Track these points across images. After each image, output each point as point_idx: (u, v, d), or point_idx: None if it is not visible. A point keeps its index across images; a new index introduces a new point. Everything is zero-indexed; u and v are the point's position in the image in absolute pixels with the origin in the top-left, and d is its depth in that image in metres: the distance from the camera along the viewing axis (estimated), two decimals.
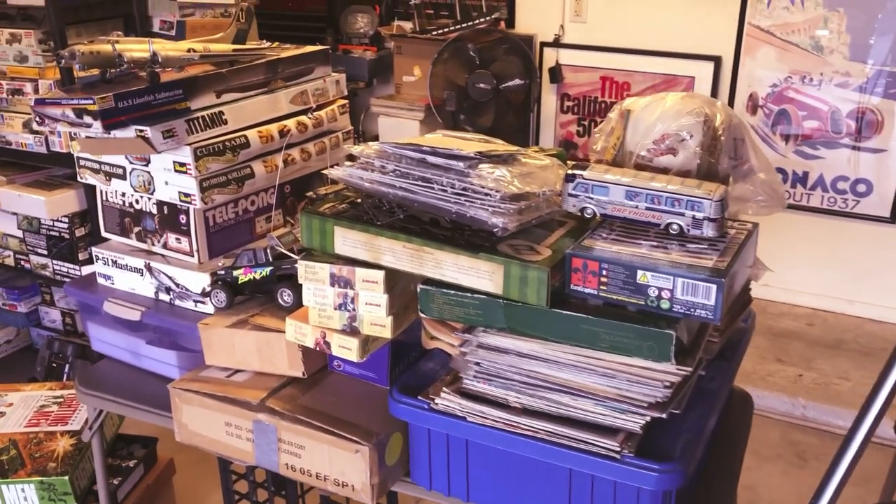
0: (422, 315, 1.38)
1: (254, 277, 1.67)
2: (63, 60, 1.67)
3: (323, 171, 1.42)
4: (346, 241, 1.41)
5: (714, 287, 1.19)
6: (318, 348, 1.49)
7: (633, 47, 4.02)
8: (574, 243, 1.31)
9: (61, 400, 2.47)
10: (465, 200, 1.29)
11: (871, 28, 3.52)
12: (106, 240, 1.98)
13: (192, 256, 1.82)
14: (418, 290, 1.37)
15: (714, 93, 3.88)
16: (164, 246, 1.86)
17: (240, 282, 1.69)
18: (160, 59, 1.66)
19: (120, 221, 1.93)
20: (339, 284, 1.42)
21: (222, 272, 1.71)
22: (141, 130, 1.67)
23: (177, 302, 1.83)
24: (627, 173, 1.36)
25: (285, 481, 2.09)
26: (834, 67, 3.62)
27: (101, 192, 1.93)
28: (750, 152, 1.48)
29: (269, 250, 1.66)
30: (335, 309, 1.45)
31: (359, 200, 1.48)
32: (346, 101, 2.16)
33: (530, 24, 4.24)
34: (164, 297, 1.84)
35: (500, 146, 1.46)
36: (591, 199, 1.36)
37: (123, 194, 1.89)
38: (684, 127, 1.43)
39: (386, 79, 4.58)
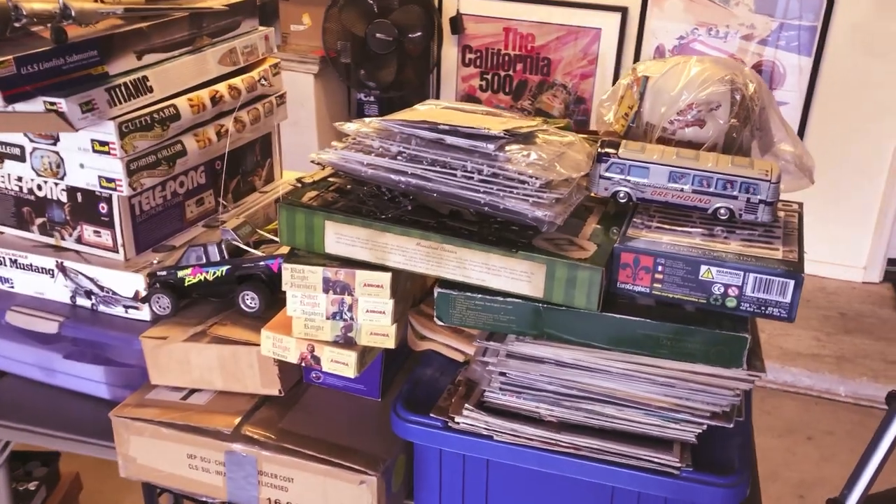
0: (438, 322, 1.18)
1: (205, 278, 1.40)
2: None
3: (310, 157, 1.17)
4: (341, 238, 1.18)
5: (792, 283, 1.05)
6: (303, 364, 1.26)
7: None
8: (616, 235, 1.14)
9: None
10: (498, 189, 1.09)
11: None
12: None
13: (117, 252, 1.52)
14: (435, 294, 1.16)
15: (620, 45, 3.80)
16: (79, 240, 1.54)
17: (186, 284, 1.41)
18: (73, 14, 1.33)
19: (16, 211, 1.58)
20: (334, 290, 1.19)
21: (163, 273, 1.42)
22: (52, 103, 1.34)
23: (101, 308, 1.52)
24: (667, 151, 1.20)
25: None
26: (739, 20, 3.62)
27: None
28: (774, 121, 1.35)
29: (222, 245, 1.39)
30: (328, 318, 1.21)
31: (348, 188, 1.24)
32: (279, 60, 1.88)
33: None
34: (83, 302, 1.53)
35: (509, 118, 1.26)
36: (628, 181, 1.19)
37: (20, 178, 1.55)
38: (714, 96, 1.29)
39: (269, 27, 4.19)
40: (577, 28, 3.85)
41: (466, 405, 1.19)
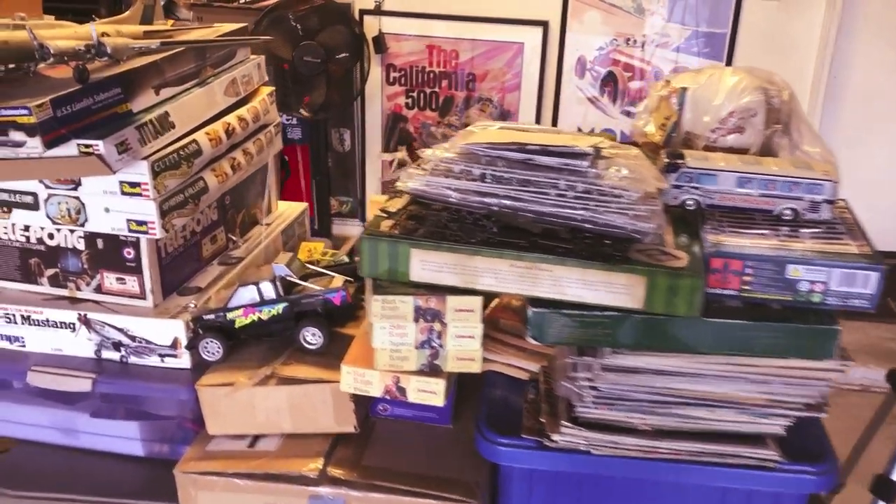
0: (532, 341, 1.18)
1: (258, 318, 1.35)
2: None
3: (397, 185, 1.15)
4: (427, 264, 1.16)
5: (875, 275, 1.12)
6: (388, 396, 1.23)
7: (460, 14, 3.90)
8: (697, 241, 1.18)
9: None
10: (595, 204, 1.10)
11: None
12: None
13: (144, 299, 1.43)
14: (529, 313, 1.16)
15: (543, 57, 3.90)
16: (98, 289, 1.45)
17: (237, 325, 1.35)
18: (109, 51, 1.25)
19: (21, 264, 1.47)
20: (424, 318, 1.17)
21: (210, 316, 1.35)
22: (87, 146, 1.25)
23: (132, 359, 1.43)
24: (728, 159, 1.25)
25: None
26: (655, 29, 3.79)
27: None
28: (801, 123, 1.43)
29: (277, 283, 1.34)
30: (416, 348, 1.19)
31: (423, 213, 1.22)
32: (273, 88, 1.83)
33: None
34: (109, 354, 1.43)
35: (574, 135, 1.28)
36: (696, 189, 1.23)
37: (27, 228, 1.43)
38: (752, 104, 1.35)
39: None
40: (499, 43, 3.92)
41: (563, 422, 1.20)
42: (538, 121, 4.00)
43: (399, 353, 1.20)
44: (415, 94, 4.11)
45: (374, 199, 1.51)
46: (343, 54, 3.76)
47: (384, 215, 1.20)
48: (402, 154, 4.09)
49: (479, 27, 3.91)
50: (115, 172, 1.27)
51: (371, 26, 3.98)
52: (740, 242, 1.17)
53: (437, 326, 1.18)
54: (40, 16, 3.03)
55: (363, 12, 3.96)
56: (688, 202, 1.24)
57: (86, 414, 1.44)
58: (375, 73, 4.06)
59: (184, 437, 1.43)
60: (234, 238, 1.68)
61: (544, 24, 3.86)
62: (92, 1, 3.98)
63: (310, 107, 3.77)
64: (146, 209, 1.34)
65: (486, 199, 1.12)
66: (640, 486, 1.23)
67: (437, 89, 4.07)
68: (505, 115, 4.04)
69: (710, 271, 1.15)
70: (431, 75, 4.05)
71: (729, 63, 3.77)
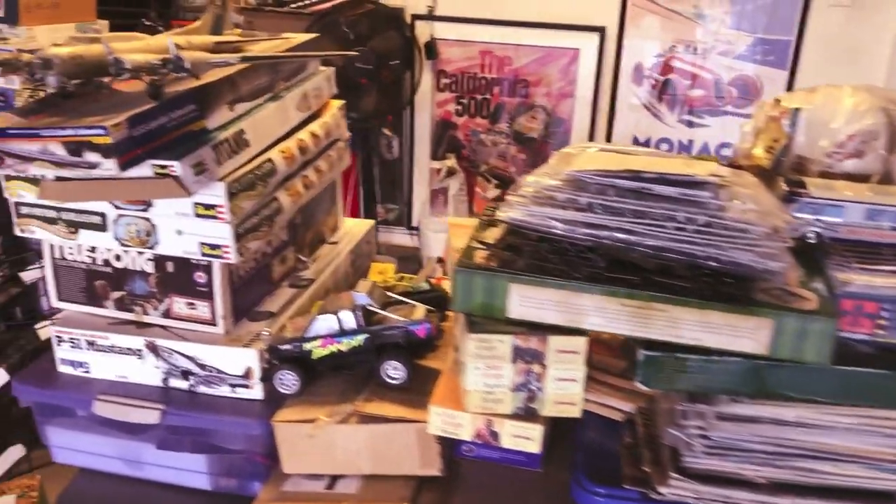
0: (642, 387, 1.08)
1: (337, 350, 1.26)
2: (32, 70, 1.13)
3: (499, 215, 1.06)
4: (528, 301, 1.07)
5: None
6: (478, 440, 1.14)
7: (514, 19, 3.81)
8: (821, 278, 1.08)
9: None
10: (718, 240, 1.01)
11: None
12: (56, 311, 1.44)
13: (215, 325, 1.36)
14: (639, 357, 1.06)
15: (599, 64, 3.79)
16: (166, 314, 1.38)
17: (314, 357, 1.27)
18: (187, 66, 1.18)
19: (87, 286, 1.40)
20: (523, 359, 1.08)
21: (287, 346, 1.28)
22: (163, 167, 1.18)
23: (200, 389, 1.36)
24: (855, 188, 1.15)
25: None
26: (716, 36, 3.66)
27: (55, 248, 1.39)
28: None
29: (358, 312, 1.26)
30: (512, 390, 1.10)
31: (518, 243, 1.13)
32: (344, 102, 1.75)
33: None
34: (178, 383, 1.36)
35: (676, 160, 1.18)
36: (820, 221, 1.13)
37: (93, 249, 1.37)
38: (874, 126, 1.24)
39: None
40: (555, 49, 3.82)
41: (672, 474, 1.10)
42: (592, 129, 3.90)
43: (493, 396, 1.11)
44: (465, 101, 4.02)
45: (454, 222, 1.42)
46: (395, 61, 3.69)
47: (480, 246, 1.11)
48: (451, 162, 4.01)
49: (533, 33, 3.82)
50: (191, 195, 1.20)
51: (423, 32, 3.90)
52: (872, 281, 1.07)
53: (536, 368, 1.09)
54: (94, 19, 3.00)
55: (415, 17, 3.89)
56: (808, 235, 1.14)
57: (151, 445, 1.37)
58: (426, 79, 3.98)
59: (253, 472, 1.36)
60: (303, 259, 1.61)
61: (601, 30, 3.75)
62: (142, 4, 3.95)
63: (359, 113, 3.70)
64: (221, 232, 1.27)
65: (597, 232, 1.03)
66: None
67: (488, 96, 3.99)
68: (557, 122, 3.94)
69: (841, 313, 1.04)
70: (483, 82, 3.96)
71: (793, 71, 3.64)
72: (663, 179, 1.02)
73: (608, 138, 3.90)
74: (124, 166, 1.13)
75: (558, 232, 1.05)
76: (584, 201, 1.06)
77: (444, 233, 4.00)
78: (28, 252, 2.88)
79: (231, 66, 1.26)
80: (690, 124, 3.82)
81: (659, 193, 1.03)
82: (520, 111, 3.97)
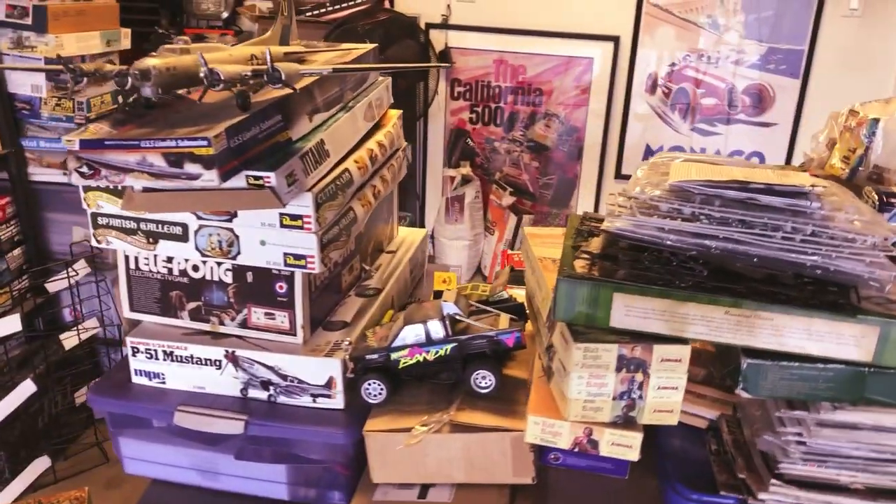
0: (744, 395, 1.10)
1: (424, 359, 1.27)
2: (128, 81, 1.13)
3: (605, 226, 1.07)
4: (632, 310, 1.08)
5: None
6: (576, 449, 1.15)
7: (528, 28, 3.83)
8: None
9: None
10: (827, 249, 1.02)
11: (763, 6, 3.62)
12: (133, 324, 1.44)
13: (294, 335, 1.36)
14: (743, 365, 1.08)
15: (613, 73, 3.82)
16: (243, 324, 1.38)
17: (401, 366, 1.27)
18: (283, 77, 1.18)
19: (161, 296, 1.40)
20: (627, 368, 1.09)
21: (374, 355, 1.28)
22: (257, 178, 1.18)
23: (280, 399, 1.35)
24: None
25: None
26: (730, 45, 3.70)
27: (130, 259, 1.39)
28: None
29: (446, 322, 1.26)
30: (614, 399, 1.11)
31: (615, 253, 1.14)
32: (401, 112, 1.76)
33: (412, 3, 3.89)
34: (257, 394, 1.36)
35: (767, 170, 1.20)
36: None
37: (170, 260, 1.36)
38: None
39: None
40: (570, 58, 3.85)
41: (773, 480, 1.11)
42: (605, 137, 3.92)
43: (593, 404, 1.12)
44: (479, 109, 4.04)
45: (531, 232, 1.43)
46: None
47: (585, 256, 1.12)
48: (465, 170, 4.01)
49: (548, 42, 3.84)
50: (284, 205, 1.20)
51: (437, 40, 3.91)
52: None
53: (638, 377, 1.10)
54: (118, 27, 2.99)
55: (430, 26, 3.90)
56: (893, 246, 1.15)
57: (229, 455, 1.37)
58: (440, 87, 3.99)
59: (332, 482, 1.36)
60: (367, 268, 1.61)
61: (615, 39, 3.78)
62: (153, 12, 3.94)
63: None
64: (307, 243, 1.27)
65: (705, 242, 1.04)
66: None
67: (502, 104, 4.00)
68: (570, 131, 3.96)
69: None
70: (497, 90, 3.98)
71: (805, 80, 3.69)
72: (770, 190, 1.04)
73: (621, 147, 3.93)
74: (224, 177, 1.13)
75: (669, 243, 1.06)
76: (689, 211, 1.07)
77: (459, 240, 4.02)
78: (52, 262, 2.86)
79: (320, 76, 1.26)
80: (703, 132, 3.86)
81: (766, 204, 1.04)
82: (534, 119, 3.99)
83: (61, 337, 2.77)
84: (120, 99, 2.80)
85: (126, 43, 3.00)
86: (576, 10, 3.78)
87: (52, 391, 2.78)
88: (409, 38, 3.72)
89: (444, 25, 3.90)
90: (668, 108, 3.86)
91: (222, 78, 1.16)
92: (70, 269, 2.66)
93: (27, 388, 2.58)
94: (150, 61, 1.13)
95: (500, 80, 3.97)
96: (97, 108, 2.70)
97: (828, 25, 3.60)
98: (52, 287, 2.75)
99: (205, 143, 1.09)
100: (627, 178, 3.95)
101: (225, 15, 3.96)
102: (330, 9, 3.83)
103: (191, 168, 1.11)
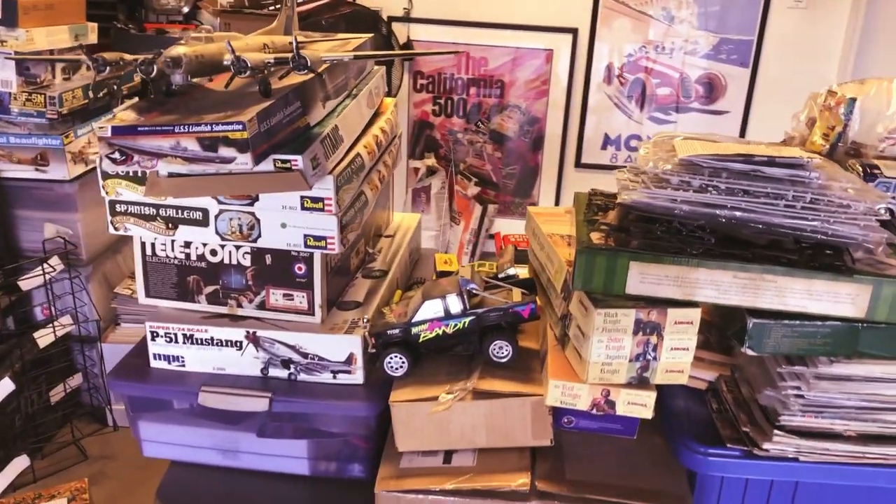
0: (749, 352, 1.19)
1: (443, 332, 1.33)
2: (153, 69, 1.16)
3: (618, 199, 1.15)
4: (646, 277, 1.16)
5: None
6: (594, 411, 1.23)
7: (489, 21, 3.91)
8: None
9: None
10: (825, 215, 1.12)
11: None
12: (151, 308, 1.46)
13: (312, 315, 1.41)
14: (749, 325, 1.17)
15: (572, 64, 3.93)
16: (261, 306, 1.42)
17: (422, 339, 1.33)
18: (309, 64, 1.22)
19: (178, 281, 1.43)
20: (643, 331, 1.17)
21: (395, 331, 1.33)
22: (285, 161, 1.23)
23: (301, 377, 1.40)
24: None
25: None
26: (683, 36, 3.84)
27: (147, 245, 1.42)
28: None
29: (464, 296, 1.32)
30: (630, 361, 1.19)
31: (626, 225, 1.22)
32: (395, 99, 1.81)
33: None
34: (277, 373, 1.40)
35: (761, 145, 1.29)
36: (894, 198, 1.26)
37: (187, 244, 1.40)
38: None
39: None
40: (530, 50, 3.94)
41: (775, 431, 1.21)
42: (565, 126, 4.03)
43: (610, 367, 1.20)
44: (442, 101, 4.10)
45: (534, 211, 1.51)
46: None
47: (603, 228, 1.20)
48: (430, 161, 4.08)
49: (508, 34, 3.93)
50: (311, 188, 1.25)
51: (399, 33, 3.96)
52: None
53: (653, 339, 1.18)
54: (84, 21, 2.97)
55: (392, 19, 3.94)
56: (881, 211, 1.26)
57: (250, 434, 1.41)
58: (403, 80, 4.04)
59: (352, 455, 1.41)
60: (370, 250, 1.66)
61: (574, 31, 3.89)
62: (110, 7, 3.89)
63: None
64: (327, 224, 1.32)
65: (715, 211, 1.13)
66: (846, 491, 1.24)
67: (464, 96, 4.07)
68: (532, 121, 4.06)
69: None
70: (459, 82, 4.05)
71: (755, 68, 3.85)
72: (772, 162, 1.13)
73: (580, 135, 4.04)
74: (257, 160, 1.17)
75: (680, 213, 1.15)
76: (698, 183, 1.15)
77: (426, 231, 4.07)
78: (24, 259, 2.83)
79: (344, 63, 1.31)
80: (658, 121, 4.00)
81: (769, 175, 1.13)
82: (495, 111, 4.07)
83: (35, 335, 2.74)
84: (91, 94, 2.80)
85: (93, 37, 2.98)
86: (535, 2, 3.87)
87: (28, 390, 2.75)
88: (371, 31, 3.76)
89: (407, 18, 3.95)
90: (625, 98, 3.98)
91: (249, 65, 1.20)
92: (46, 266, 2.64)
93: (6, 386, 2.55)
94: (181, 49, 1.17)
95: (461, 73, 4.04)
96: (69, 104, 2.68)
97: (775, 17, 3.77)
98: (25, 284, 2.72)
99: (240, 126, 1.13)
100: (587, 166, 4.08)
101: (186, 10, 3.94)
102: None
103: (225, 152, 1.16)
